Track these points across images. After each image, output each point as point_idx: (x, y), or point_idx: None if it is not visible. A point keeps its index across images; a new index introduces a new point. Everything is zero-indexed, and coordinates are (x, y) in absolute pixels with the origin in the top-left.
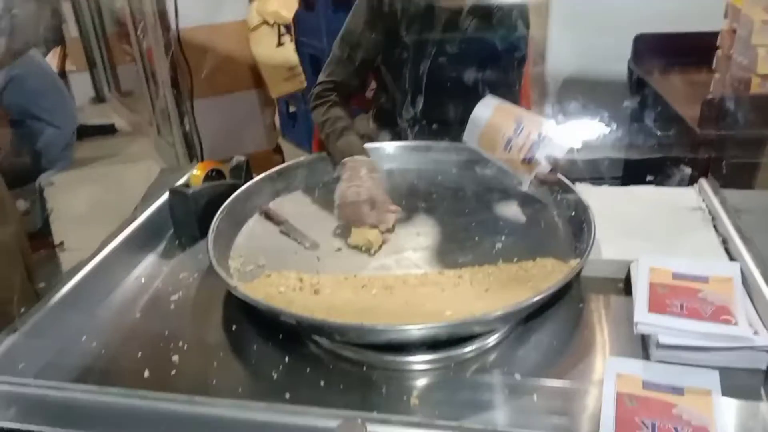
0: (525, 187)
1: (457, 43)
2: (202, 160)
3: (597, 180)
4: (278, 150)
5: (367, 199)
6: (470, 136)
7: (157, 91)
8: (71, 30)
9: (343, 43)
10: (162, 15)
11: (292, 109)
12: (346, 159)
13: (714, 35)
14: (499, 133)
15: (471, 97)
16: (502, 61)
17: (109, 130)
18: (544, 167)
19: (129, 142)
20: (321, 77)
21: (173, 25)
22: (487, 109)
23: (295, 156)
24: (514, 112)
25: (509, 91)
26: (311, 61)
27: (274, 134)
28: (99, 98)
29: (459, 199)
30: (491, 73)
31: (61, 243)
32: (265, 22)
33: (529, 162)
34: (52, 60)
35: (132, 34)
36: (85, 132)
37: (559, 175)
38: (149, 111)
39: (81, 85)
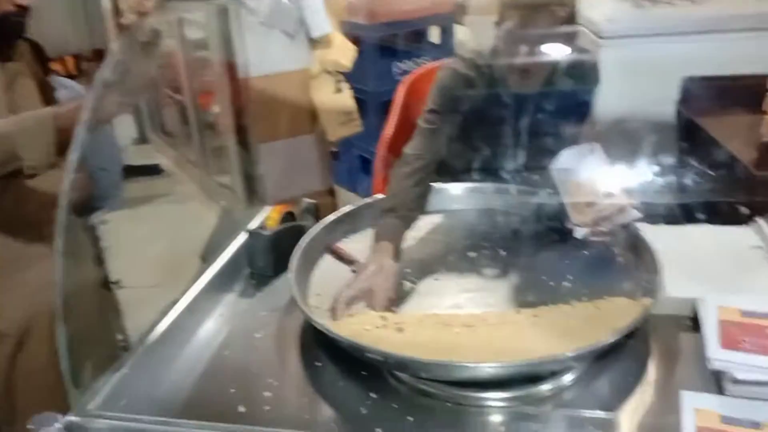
0: (578, 236)
1: (524, 99)
2: (263, 201)
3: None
4: (331, 192)
5: (364, 291)
6: (565, 168)
7: (211, 135)
8: None
9: (431, 116)
10: (229, 64)
11: (335, 149)
12: (373, 244)
13: (762, 78)
14: (593, 189)
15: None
16: (571, 116)
17: (154, 170)
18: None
19: (175, 182)
20: (407, 152)
21: (241, 74)
22: (595, 164)
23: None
24: (612, 178)
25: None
26: (359, 104)
27: (328, 177)
28: (142, 139)
29: (522, 239)
30: (562, 128)
31: (119, 280)
32: (326, 70)
33: (596, 222)
34: None
35: (184, 80)
36: (131, 172)
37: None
38: (196, 152)
39: (125, 125)
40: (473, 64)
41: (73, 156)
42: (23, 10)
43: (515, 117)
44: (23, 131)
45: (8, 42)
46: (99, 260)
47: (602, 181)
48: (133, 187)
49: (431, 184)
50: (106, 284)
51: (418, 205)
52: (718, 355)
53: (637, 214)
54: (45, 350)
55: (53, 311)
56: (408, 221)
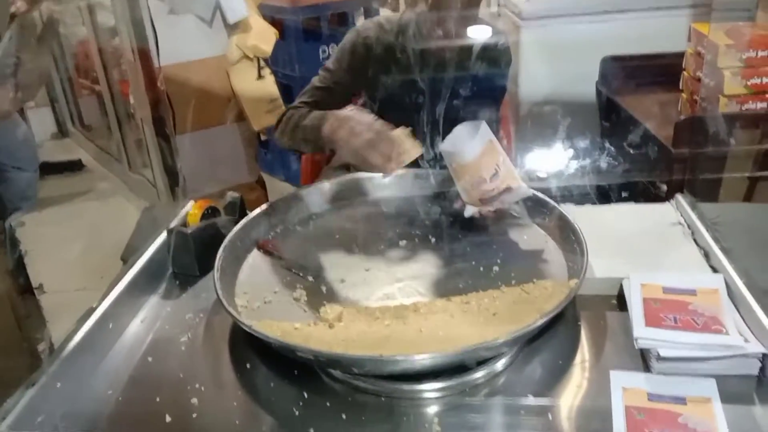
0: (467, 215)
1: (442, 82)
2: (185, 196)
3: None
4: (260, 181)
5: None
6: (448, 151)
7: (132, 127)
8: None
9: (326, 74)
10: (142, 52)
11: (263, 137)
12: (322, 116)
13: (676, 56)
14: (477, 171)
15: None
16: (483, 98)
17: (75, 166)
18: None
19: (97, 178)
20: (294, 104)
21: (155, 62)
22: (478, 144)
23: (272, 185)
24: (496, 157)
25: (489, 122)
26: (284, 90)
27: (255, 167)
28: (62, 133)
29: (449, 225)
30: (473, 109)
31: (41, 285)
32: (245, 56)
33: (484, 202)
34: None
35: (99, 69)
36: (51, 169)
37: (543, 196)
38: (118, 146)
39: (42, 119)
40: (380, 27)
41: None
42: None
43: (419, 95)
44: None
45: None
46: (18, 265)
47: (488, 160)
48: (52, 185)
49: None
50: (28, 290)
51: None
52: (643, 334)
53: (527, 191)
54: None
55: None
56: None
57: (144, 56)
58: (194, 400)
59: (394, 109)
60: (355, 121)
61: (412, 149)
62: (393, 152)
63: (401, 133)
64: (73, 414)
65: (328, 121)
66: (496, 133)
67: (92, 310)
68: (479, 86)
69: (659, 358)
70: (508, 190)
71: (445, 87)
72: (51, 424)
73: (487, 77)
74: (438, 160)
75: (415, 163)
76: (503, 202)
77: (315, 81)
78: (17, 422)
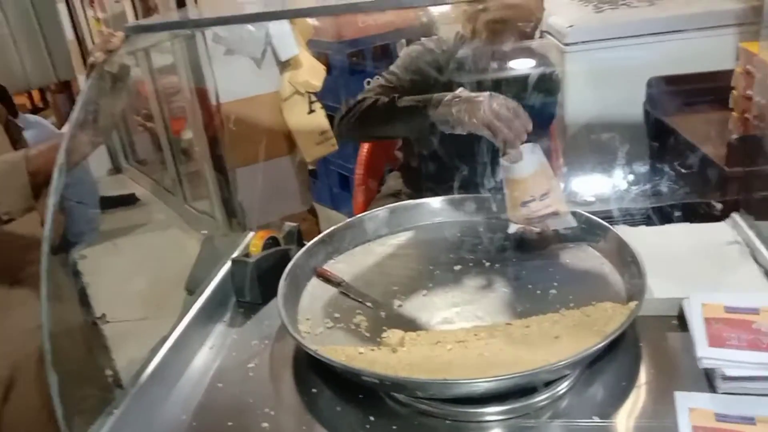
0: (510, 231)
1: None
2: (245, 227)
3: (627, 221)
4: (312, 211)
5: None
6: (505, 165)
7: (185, 161)
8: None
9: (391, 77)
10: (200, 92)
11: (310, 167)
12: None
13: (723, 74)
14: (528, 189)
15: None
16: (535, 125)
17: (130, 200)
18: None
19: (152, 211)
20: (360, 97)
21: (213, 100)
22: (532, 163)
23: (323, 214)
24: (549, 179)
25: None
26: (331, 122)
27: (308, 197)
28: (116, 169)
29: (504, 249)
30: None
31: (103, 315)
32: (297, 92)
33: (529, 221)
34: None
35: (155, 107)
36: (108, 203)
37: (597, 218)
38: (173, 179)
39: (98, 155)
40: (440, 46)
41: (52, 199)
42: None
43: None
44: None
45: None
46: (82, 297)
47: (541, 180)
48: (110, 218)
49: None
50: (92, 321)
51: None
52: (706, 354)
53: (572, 222)
54: (32, 397)
55: (39, 356)
56: None
57: (202, 95)
58: (265, 425)
59: (451, 139)
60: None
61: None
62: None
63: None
64: None
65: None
66: (545, 156)
67: (164, 338)
68: (532, 114)
69: (725, 378)
70: (555, 214)
71: None
72: None
73: (539, 105)
74: (494, 188)
75: (474, 188)
76: (548, 226)
77: (380, 81)
78: None
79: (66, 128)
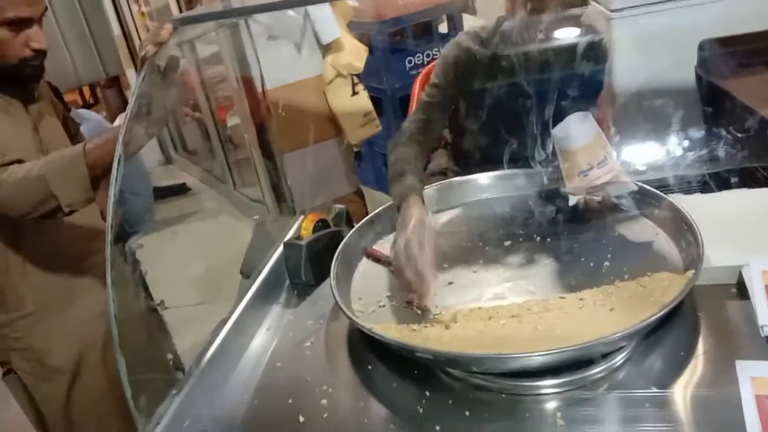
0: (571, 203)
1: (544, 84)
2: (294, 210)
3: (682, 188)
4: (358, 193)
5: (409, 259)
6: (559, 136)
7: (233, 149)
8: None
9: (433, 90)
10: (246, 79)
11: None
12: (401, 204)
13: None
14: (585, 158)
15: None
16: (585, 95)
17: (181, 190)
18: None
19: (203, 199)
20: (408, 121)
21: (259, 87)
22: (588, 132)
23: (369, 195)
24: (605, 147)
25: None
26: (375, 103)
27: (354, 179)
28: (167, 160)
29: (554, 223)
30: (576, 107)
31: (162, 302)
32: (340, 74)
33: (590, 191)
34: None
35: (201, 97)
36: (160, 193)
37: (650, 187)
38: (222, 168)
39: (149, 148)
40: (478, 38)
41: (113, 190)
42: (40, 53)
43: (523, 98)
44: (56, 171)
45: (29, 86)
46: (141, 284)
47: (597, 149)
48: (163, 208)
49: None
50: (151, 307)
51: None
52: None
53: (632, 186)
54: (99, 381)
55: (104, 342)
56: (419, 179)
57: (248, 83)
58: (324, 401)
59: (499, 115)
60: (408, 246)
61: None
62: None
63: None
64: (215, 418)
65: (400, 211)
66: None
67: (224, 321)
68: (580, 84)
69: None
70: (615, 180)
71: (548, 88)
72: (196, 429)
73: (588, 75)
74: (546, 161)
75: (523, 163)
76: (608, 193)
77: (424, 97)
78: (168, 428)
79: (118, 121)
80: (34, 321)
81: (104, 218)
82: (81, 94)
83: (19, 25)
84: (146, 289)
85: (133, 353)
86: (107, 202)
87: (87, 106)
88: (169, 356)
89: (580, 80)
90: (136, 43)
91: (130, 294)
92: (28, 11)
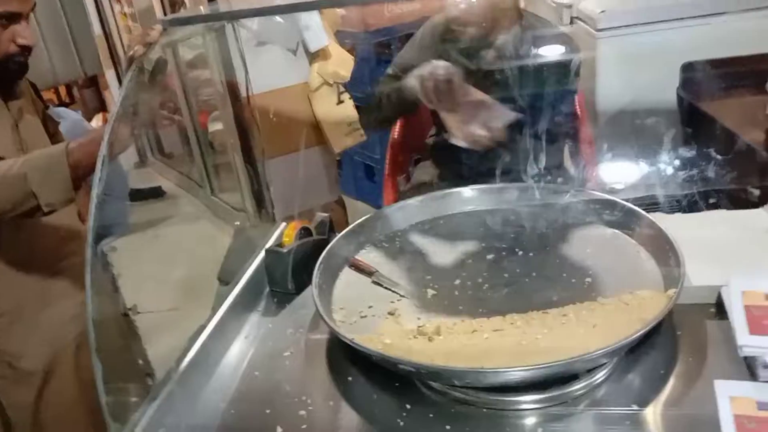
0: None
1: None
2: (274, 218)
3: (663, 208)
4: (340, 202)
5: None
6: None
7: (212, 154)
8: (114, 95)
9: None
10: (231, 84)
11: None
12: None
13: (759, 58)
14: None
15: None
16: (547, 112)
17: (157, 193)
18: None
19: (179, 203)
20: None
21: (244, 92)
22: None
23: (350, 205)
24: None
25: (557, 138)
26: (359, 112)
27: (336, 188)
28: (142, 162)
29: (539, 237)
30: (540, 123)
31: (134, 306)
32: (326, 83)
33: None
34: (97, 126)
35: (182, 101)
36: (135, 196)
37: (632, 205)
38: (200, 172)
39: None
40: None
41: (95, 191)
42: (26, 49)
43: None
44: (37, 170)
45: (13, 82)
46: (113, 288)
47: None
48: (137, 211)
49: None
50: (122, 312)
51: None
52: (747, 341)
53: (511, 115)
54: (70, 386)
55: (76, 346)
56: None
57: (233, 87)
58: (302, 412)
59: None
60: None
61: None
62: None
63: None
64: (191, 427)
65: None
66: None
67: (202, 328)
68: (546, 102)
69: (767, 366)
70: (490, 113)
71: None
72: None
73: (550, 94)
74: (536, 176)
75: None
76: (488, 127)
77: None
78: None
79: (95, 121)
80: (6, 322)
81: (82, 219)
82: (57, 92)
83: (7, 20)
84: (117, 293)
85: (107, 359)
86: (86, 203)
87: (63, 104)
88: (140, 362)
89: (542, 100)
90: (117, 43)
91: (103, 298)
92: (17, 6)
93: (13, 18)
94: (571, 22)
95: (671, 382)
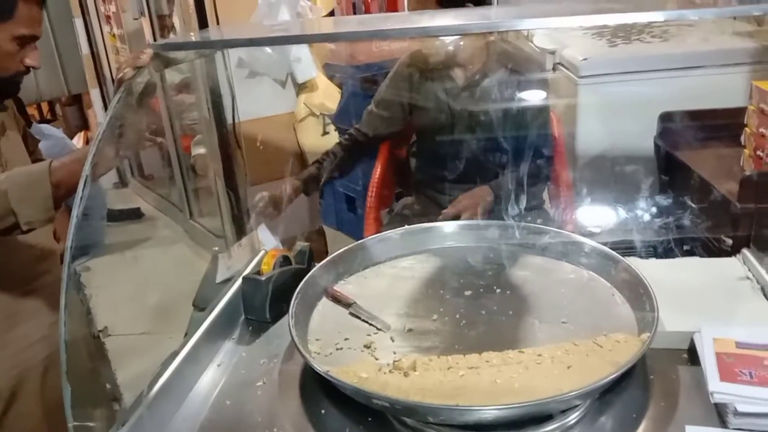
0: None
1: (482, 141)
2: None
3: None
4: (320, 231)
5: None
6: None
7: (192, 178)
8: (98, 115)
9: (376, 105)
10: (217, 111)
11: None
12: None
13: (735, 112)
14: None
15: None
16: (525, 157)
17: (135, 214)
18: None
19: (157, 226)
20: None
21: (230, 120)
22: None
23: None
24: None
25: (535, 183)
26: None
27: (317, 218)
28: (122, 182)
29: (514, 276)
30: (517, 166)
31: (105, 328)
32: (312, 113)
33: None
34: (78, 144)
35: (166, 124)
36: (113, 217)
37: (608, 249)
38: (180, 195)
39: None
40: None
41: (76, 210)
42: (28, 69)
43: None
44: (18, 187)
45: (8, 98)
46: (84, 309)
47: None
48: (114, 232)
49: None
50: (93, 334)
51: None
52: (718, 388)
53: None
54: (35, 409)
55: (44, 368)
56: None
57: (219, 114)
58: None
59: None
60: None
61: None
62: None
63: None
64: None
65: None
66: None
67: (175, 353)
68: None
69: (737, 414)
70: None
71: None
72: None
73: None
74: (517, 215)
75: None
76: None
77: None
78: None
79: (76, 140)
80: None
81: (57, 239)
82: (39, 108)
83: (27, 41)
84: (88, 314)
85: (72, 381)
86: (62, 221)
87: (45, 121)
88: (108, 386)
89: (521, 145)
90: (104, 63)
91: (72, 319)
92: (38, 30)
93: (32, 40)
94: (554, 69)
95: (643, 426)
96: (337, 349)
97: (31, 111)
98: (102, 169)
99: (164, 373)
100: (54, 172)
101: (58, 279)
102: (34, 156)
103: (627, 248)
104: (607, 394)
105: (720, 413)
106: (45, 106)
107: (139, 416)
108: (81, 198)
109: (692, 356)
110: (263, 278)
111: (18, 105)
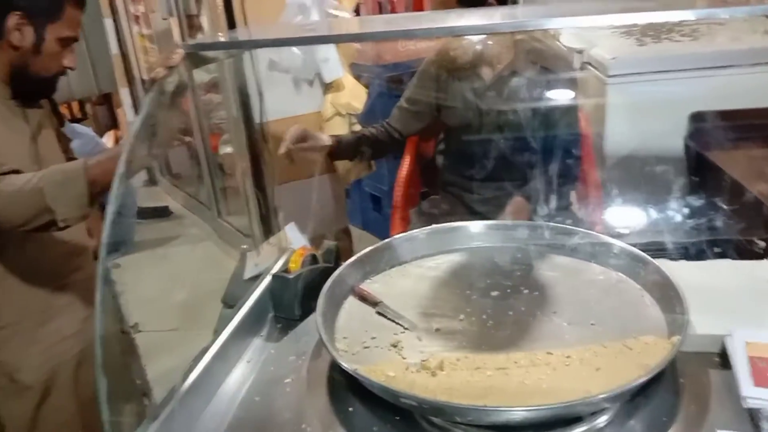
0: None
1: (510, 140)
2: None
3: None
4: (346, 230)
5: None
6: None
7: (220, 177)
8: (127, 114)
9: (406, 101)
10: (245, 110)
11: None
12: None
13: (767, 111)
14: None
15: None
16: (553, 157)
17: (163, 212)
18: None
19: (185, 224)
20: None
21: (257, 119)
22: None
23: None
24: None
25: (563, 183)
26: None
27: (344, 217)
28: (151, 181)
29: (542, 277)
30: (545, 166)
31: (136, 324)
32: (338, 113)
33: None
34: (108, 143)
35: (195, 123)
36: (142, 214)
37: (638, 251)
38: (208, 194)
39: None
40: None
41: (111, 207)
42: (65, 70)
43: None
44: (54, 184)
45: (42, 98)
46: (114, 305)
47: None
48: (144, 229)
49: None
50: (121, 329)
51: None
52: (751, 393)
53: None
54: (68, 402)
55: (77, 362)
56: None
57: (246, 113)
58: None
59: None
60: None
61: None
62: None
63: None
64: None
65: None
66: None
67: (205, 350)
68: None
69: None
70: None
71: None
72: None
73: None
74: (548, 216)
75: None
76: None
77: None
78: None
79: (106, 138)
80: (8, 334)
81: (91, 235)
82: (70, 108)
83: (69, 42)
84: (118, 310)
85: (106, 376)
86: (96, 218)
87: (75, 120)
88: (138, 381)
89: (548, 145)
90: (134, 63)
91: (107, 315)
92: (78, 32)
93: (72, 42)
94: (582, 68)
95: (673, 430)
96: (364, 347)
97: (63, 110)
98: (136, 168)
99: (195, 369)
100: (89, 170)
101: (91, 275)
102: (68, 154)
103: (657, 250)
104: (636, 397)
105: (753, 418)
106: (75, 106)
107: (171, 411)
108: (116, 196)
109: (724, 360)
110: (292, 276)
111: (52, 104)
